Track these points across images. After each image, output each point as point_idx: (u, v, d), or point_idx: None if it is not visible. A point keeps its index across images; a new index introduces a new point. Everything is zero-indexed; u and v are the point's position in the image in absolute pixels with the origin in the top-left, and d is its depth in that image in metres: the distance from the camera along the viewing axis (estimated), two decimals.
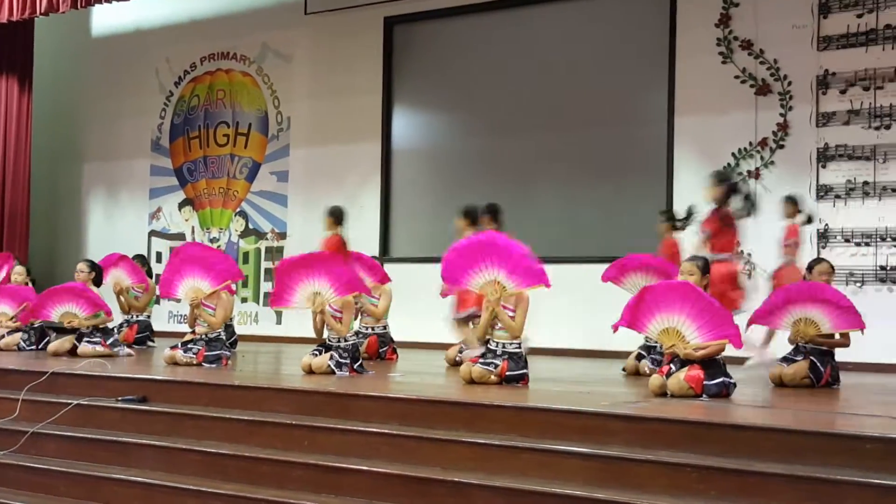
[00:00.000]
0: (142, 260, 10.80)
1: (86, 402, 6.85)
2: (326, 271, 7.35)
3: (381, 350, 8.98)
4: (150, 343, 10.31)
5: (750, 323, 6.92)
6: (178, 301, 8.23)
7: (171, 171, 13.64)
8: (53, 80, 14.30)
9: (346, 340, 7.42)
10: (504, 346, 6.71)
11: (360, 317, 8.88)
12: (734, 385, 6.10)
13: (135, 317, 10.20)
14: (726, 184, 7.89)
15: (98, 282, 9.11)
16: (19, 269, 10.18)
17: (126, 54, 13.99)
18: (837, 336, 6.90)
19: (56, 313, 8.82)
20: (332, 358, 7.32)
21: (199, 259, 8.19)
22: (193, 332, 8.17)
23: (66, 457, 6.53)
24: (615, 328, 6.27)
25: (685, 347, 6.02)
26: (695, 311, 6.00)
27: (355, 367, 7.36)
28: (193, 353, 7.95)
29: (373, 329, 9.01)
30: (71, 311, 8.74)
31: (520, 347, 6.73)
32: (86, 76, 14.42)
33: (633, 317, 6.21)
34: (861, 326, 6.76)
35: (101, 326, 8.82)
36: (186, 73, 13.57)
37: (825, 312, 6.74)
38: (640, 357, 7.81)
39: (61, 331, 9.24)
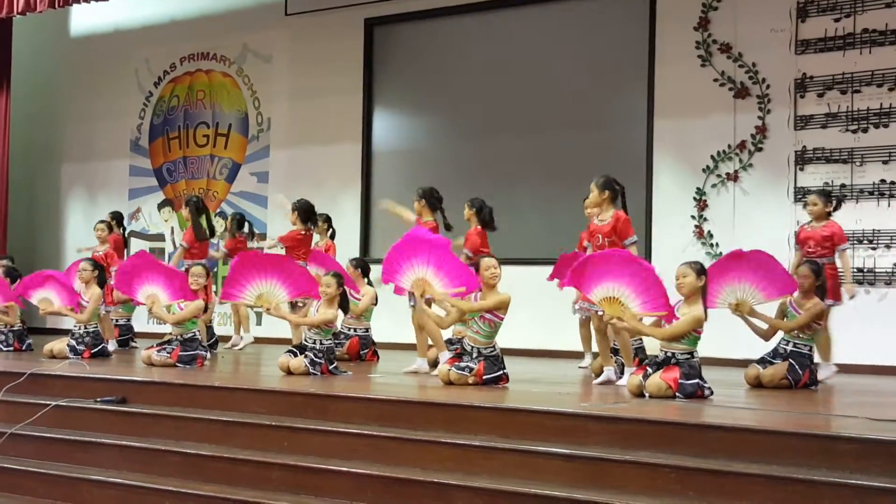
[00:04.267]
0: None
1: (64, 404, 6.83)
2: (279, 271, 7.39)
3: (361, 352, 8.99)
4: (132, 344, 10.32)
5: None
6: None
7: (151, 172, 13.59)
8: (32, 80, 14.22)
9: (322, 343, 7.42)
10: (479, 350, 6.73)
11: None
12: (710, 389, 6.13)
13: (117, 319, 10.17)
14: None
15: (102, 281, 9.07)
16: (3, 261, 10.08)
17: (105, 54, 13.94)
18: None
19: (36, 296, 8.99)
20: (306, 357, 7.33)
21: (161, 270, 8.36)
22: (171, 333, 8.17)
23: (44, 458, 6.51)
24: (560, 286, 6.41)
25: (628, 317, 6.15)
26: (636, 282, 6.13)
27: (330, 368, 7.37)
28: (167, 353, 7.94)
29: (354, 330, 9.03)
30: (48, 298, 8.85)
31: (495, 349, 6.75)
32: (64, 76, 14.36)
33: (578, 279, 6.37)
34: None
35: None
36: (166, 74, 13.53)
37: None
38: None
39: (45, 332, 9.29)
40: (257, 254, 7.77)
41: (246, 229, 10.62)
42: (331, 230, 9.93)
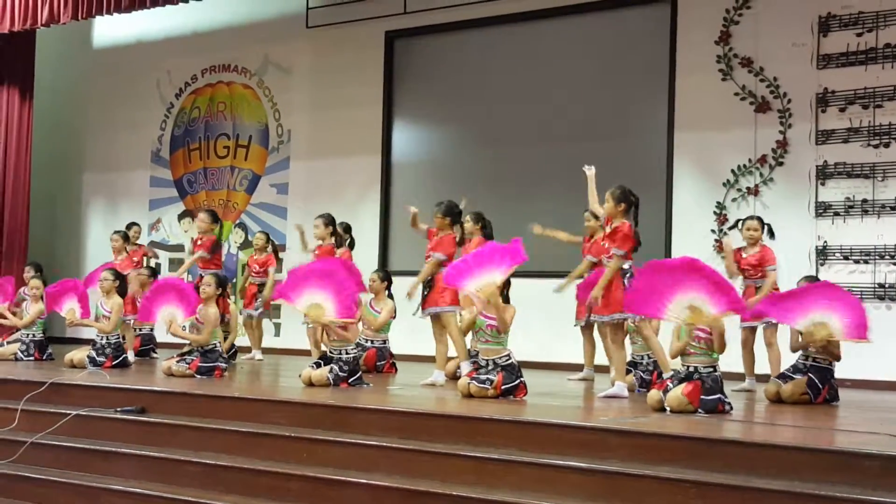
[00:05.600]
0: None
1: (85, 413, 6.86)
2: (334, 287, 7.36)
3: (378, 363, 9.00)
4: (153, 355, 10.37)
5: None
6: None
7: (171, 183, 13.66)
8: (54, 91, 14.33)
9: (347, 353, 7.44)
10: (495, 361, 6.74)
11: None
12: (730, 405, 6.10)
13: (138, 329, 10.21)
14: None
15: (123, 291, 9.12)
16: (35, 282, 10.03)
17: (127, 66, 14.03)
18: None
19: (66, 307, 9.08)
20: (331, 371, 7.34)
21: (175, 290, 8.33)
22: (191, 344, 8.19)
23: (64, 467, 6.53)
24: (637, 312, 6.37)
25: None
26: (707, 285, 6.04)
27: (351, 380, 7.36)
28: (187, 364, 7.97)
29: (372, 342, 9.04)
30: (74, 309, 8.99)
31: (510, 358, 6.75)
32: (87, 87, 14.46)
33: (643, 306, 6.24)
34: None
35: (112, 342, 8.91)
36: (187, 85, 13.61)
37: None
38: (626, 371, 7.82)
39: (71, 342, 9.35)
40: (327, 264, 7.70)
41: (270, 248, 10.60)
42: (349, 240, 9.91)
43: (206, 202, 13.21)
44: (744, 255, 7.92)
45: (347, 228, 9.88)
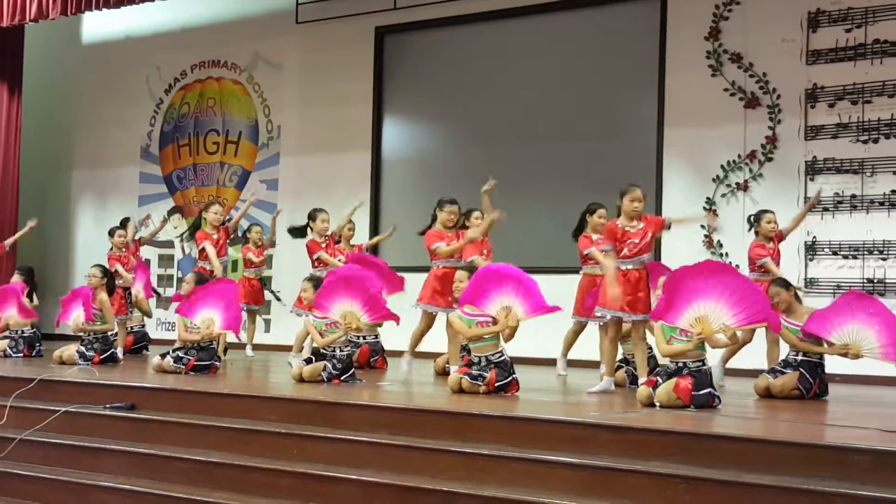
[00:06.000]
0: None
1: (74, 410, 6.84)
2: (362, 293, 7.43)
3: (371, 359, 9.00)
4: (145, 352, 10.37)
5: None
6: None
7: (161, 179, 13.63)
8: (43, 86, 14.26)
9: (341, 350, 7.45)
10: (488, 358, 6.75)
11: None
12: (719, 398, 6.13)
13: (132, 327, 10.19)
14: None
15: (111, 288, 9.09)
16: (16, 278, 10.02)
17: (116, 62, 13.98)
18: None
19: (73, 317, 8.96)
20: (325, 368, 7.35)
21: (220, 296, 8.28)
22: (183, 341, 8.16)
23: (53, 464, 6.53)
24: (654, 318, 6.34)
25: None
26: (728, 294, 6.09)
27: (343, 377, 7.37)
28: (183, 364, 7.96)
29: (364, 338, 9.02)
30: (79, 315, 8.91)
31: (503, 355, 6.77)
32: (76, 83, 14.40)
33: (665, 313, 6.23)
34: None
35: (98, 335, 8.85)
36: (177, 81, 13.57)
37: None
38: (618, 368, 7.84)
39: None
40: (350, 272, 7.77)
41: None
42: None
43: (195, 198, 13.18)
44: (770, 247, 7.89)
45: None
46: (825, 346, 6.87)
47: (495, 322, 6.76)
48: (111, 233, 10.21)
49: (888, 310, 6.91)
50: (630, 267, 6.90)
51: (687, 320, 6.11)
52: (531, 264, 8.89)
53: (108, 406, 6.80)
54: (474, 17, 11.33)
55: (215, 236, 9.35)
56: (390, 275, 8.93)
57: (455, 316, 6.98)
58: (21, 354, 9.55)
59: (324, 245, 9.10)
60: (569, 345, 8.50)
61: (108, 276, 9.12)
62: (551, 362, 8.82)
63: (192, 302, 8.26)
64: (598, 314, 7.11)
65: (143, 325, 10.53)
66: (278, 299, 11.17)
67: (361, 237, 11.23)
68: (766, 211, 8.05)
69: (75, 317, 8.90)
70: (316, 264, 9.05)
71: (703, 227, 9.78)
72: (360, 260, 8.87)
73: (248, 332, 10.55)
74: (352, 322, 7.37)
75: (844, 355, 6.84)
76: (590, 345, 8.43)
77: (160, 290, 12.66)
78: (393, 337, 9.45)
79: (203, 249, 9.26)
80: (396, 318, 7.67)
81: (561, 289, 8.49)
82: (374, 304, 7.44)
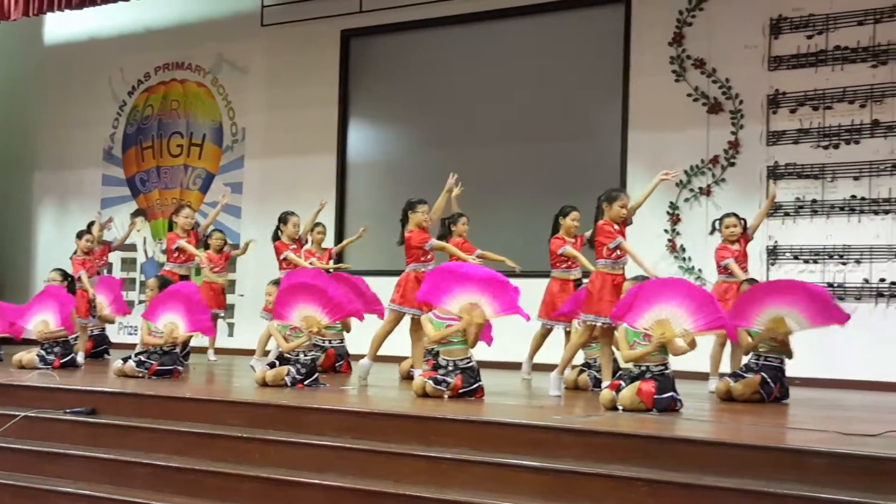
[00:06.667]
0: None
1: (33, 414, 6.76)
2: (320, 297, 7.36)
3: (336, 364, 8.97)
4: (106, 356, 10.26)
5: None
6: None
7: (124, 181, 13.52)
8: (5, 88, 14.13)
9: (305, 355, 7.41)
10: (455, 363, 6.74)
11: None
12: (681, 402, 6.16)
13: (92, 331, 10.08)
14: None
15: (72, 292, 9.00)
16: None
17: (79, 63, 13.86)
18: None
19: (33, 321, 8.79)
20: (288, 373, 7.30)
21: (185, 299, 8.18)
22: (146, 345, 8.10)
23: (12, 469, 6.44)
24: (614, 320, 6.36)
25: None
26: (687, 302, 6.15)
27: (307, 382, 7.33)
28: (146, 368, 7.89)
29: (330, 342, 8.99)
30: (45, 320, 8.74)
31: (471, 361, 6.76)
32: (38, 84, 14.26)
33: (626, 312, 6.29)
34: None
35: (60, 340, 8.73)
36: (140, 83, 13.47)
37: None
38: (581, 371, 7.87)
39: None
40: (304, 277, 7.70)
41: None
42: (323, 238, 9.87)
43: (158, 201, 13.09)
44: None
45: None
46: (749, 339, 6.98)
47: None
48: (79, 235, 10.06)
49: (802, 282, 7.09)
50: (619, 272, 6.94)
51: (647, 322, 6.15)
52: (495, 268, 8.92)
53: (67, 410, 6.72)
54: (440, 20, 11.33)
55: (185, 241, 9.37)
56: (372, 298, 8.85)
57: (426, 318, 6.97)
58: None
59: (292, 248, 9.07)
60: (535, 348, 8.51)
61: (69, 280, 9.04)
62: (515, 366, 8.83)
63: (154, 306, 8.20)
64: (585, 320, 7.07)
65: (103, 329, 10.40)
66: None
67: (326, 241, 11.19)
68: (727, 215, 8.11)
69: (39, 321, 8.76)
70: (284, 266, 9.01)
71: (665, 231, 9.83)
72: (339, 279, 8.84)
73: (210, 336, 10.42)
74: (312, 325, 7.32)
75: (775, 338, 6.91)
76: (555, 348, 8.47)
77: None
78: (358, 342, 9.42)
79: (178, 249, 9.39)
80: (360, 315, 7.63)
81: (527, 292, 8.51)
82: (333, 305, 7.38)
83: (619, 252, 6.93)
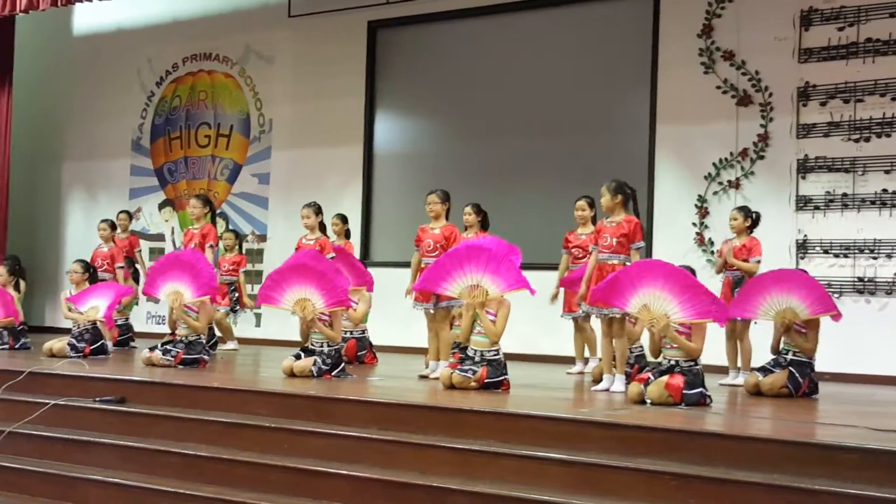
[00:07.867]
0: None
1: (63, 403, 6.82)
2: (318, 280, 7.33)
3: (359, 353, 8.98)
4: (131, 344, 10.32)
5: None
6: (157, 301, 8.04)
7: (152, 172, 13.58)
8: (34, 78, 14.20)
9: (329, 345, 7.42)
10: (482, 354, 6.74)
11: None
12: (710, 398, 6.14)
13: (116, 319, 10.15)
14: None
15: (93, 283, 9.08)
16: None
17: (107, 54, 13.93)
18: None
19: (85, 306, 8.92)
20: (315, 363, 7.32)
21: (188, 266, 8.13)
22: (173, 334, 8.15)
23: (42, 457, 6.50)
24: (590, 303, 6.41)
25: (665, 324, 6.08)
26: (676, 287, 6.09)
27: (334, 373, 7.35)
28: (172, 356, 7.93)
29: (351, 333, 9.00)
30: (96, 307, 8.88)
31: (498, 353, 6.76)
32: (66, 75, 14.34)
33: (608, 295, 6.30)
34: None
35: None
36: (168, 74, 13.52)
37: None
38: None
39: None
40: (300, 260, 7.67)
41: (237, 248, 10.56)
42: (347, 229, 9.87)
43: (186, 191, 13.14)
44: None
45: (345, 219, 9.84)
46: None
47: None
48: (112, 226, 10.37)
49: (798, 272, 7.14)
50: (616, 262, 6.89)
51: (634, 306, 6.18)
52: (521, 260, 8.92)
53: (97, 399, 6.78)
54: (467, 12, 11.31)
55: (196, 228, 9.30)
56: (361, 270, 8.85)
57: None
58: (6, 346, 9.51)
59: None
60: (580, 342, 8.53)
61: (91, 271, 9.13)
62: (540, 359, 8.83)
63: (153, 277, 8.19)
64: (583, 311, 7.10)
65: (127, 319, 10.48)
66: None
67: (353, 232, 11.23)
68: (735, 208, 8.18)
69: (91, 307, 8.85)
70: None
71: (693, 224, 9.78)
72: (338, 251, 8.87)
73: (222, 328, 10.37)
74: (305, 308, 7.29)
75: (783, 326, 6.93)
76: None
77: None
78: (379, 332, 9.45)
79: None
80: (347, 304, 7.60)
81: (550, 284, 8.52)
82: (330, 287, 7.32)
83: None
